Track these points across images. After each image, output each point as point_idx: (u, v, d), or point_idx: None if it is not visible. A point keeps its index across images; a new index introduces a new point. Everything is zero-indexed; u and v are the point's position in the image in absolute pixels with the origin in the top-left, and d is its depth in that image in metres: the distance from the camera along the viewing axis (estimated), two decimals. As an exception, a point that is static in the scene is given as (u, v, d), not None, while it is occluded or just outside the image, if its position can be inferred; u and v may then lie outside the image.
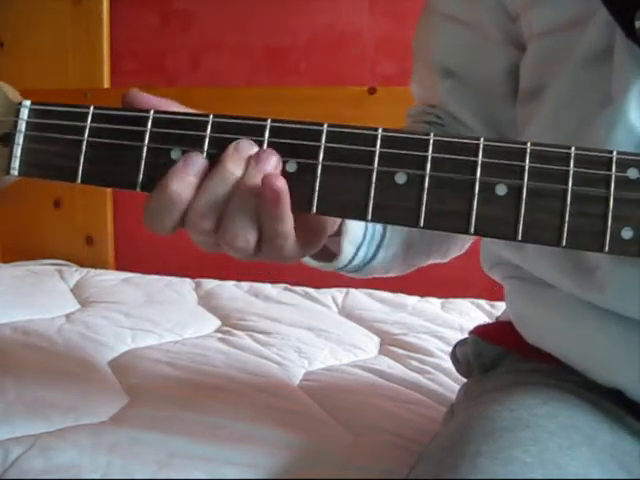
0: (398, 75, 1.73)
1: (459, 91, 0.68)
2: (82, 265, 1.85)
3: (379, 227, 0.59)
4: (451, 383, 1.01)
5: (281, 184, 0.45)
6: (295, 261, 0.51)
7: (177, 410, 0.86)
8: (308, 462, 0.75)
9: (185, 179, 0.46)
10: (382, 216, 0.46)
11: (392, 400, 0.94)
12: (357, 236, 0.57)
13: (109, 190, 1.91)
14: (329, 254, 0.59)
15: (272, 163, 0.46)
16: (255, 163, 0.46)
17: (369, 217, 0.46)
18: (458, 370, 0.80)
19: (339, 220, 0.54)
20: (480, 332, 0.75)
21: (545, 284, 0.61)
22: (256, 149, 0.47)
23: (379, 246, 0.59)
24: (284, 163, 0.47)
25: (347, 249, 0.57)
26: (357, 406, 0.91)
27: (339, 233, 0.56)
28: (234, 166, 0.46)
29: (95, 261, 1.89)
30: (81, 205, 1.92)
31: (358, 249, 0.57)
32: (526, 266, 0.63)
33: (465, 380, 0.77)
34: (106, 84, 1.90)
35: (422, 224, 0.45)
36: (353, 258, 0.58)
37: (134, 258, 1.91)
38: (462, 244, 0.72)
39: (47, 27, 1.90)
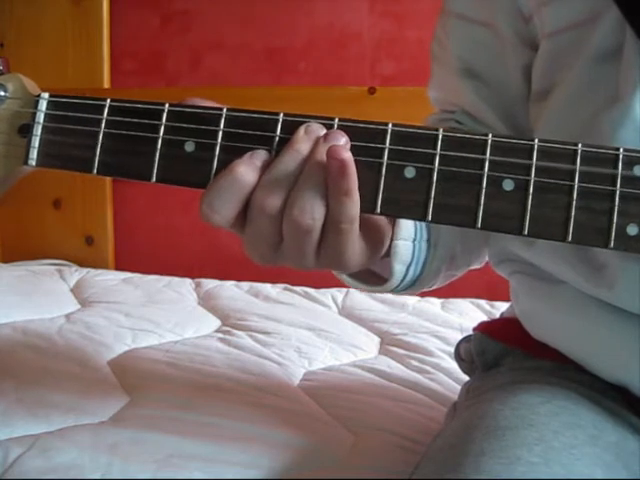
0: (398, 75, 1.73)
1: (483, 91, 0.68)
2: (82, 265, 1.85)
3: (423, 244, 0.58)
4: (451, 383, 1.01)
5: (347, 155, 0.45)
6: (354, 266, 0.50)
7: (177, 410, 0.86)
8: (308, 462, 0.75)
9: (250, 164, 0.47)
10: (391, 209, 0.46)
11: (392, 400, 0.94)
12: (407, 256, 0.56)
13: (109, 190, 1.91)
14: (374, 277, 0.58)
15: (341, 141, 0.46)
16: (324, 140, 0.46)
17: (378, 210, 0.46)
18: (461, 368, 0.80)
19: (389, 238, 0.54)
20: (484, 328, 0.75)
21: (552, 280, 0.61)
22: (325, 131, 0.47)
23: (425, 263, 0.59)
24: None
25: (398, 269, 0.56)
26: (357, 406, 0.91)
27: (387, 254, 0.55)
28: (302, 145, 0.46)
29: (95, 261, 1.89)
30: (81, 205, 1.92)
31: (408, 269, 0.57)
32: (536, 261, 0.63)
33: (467, 378, 0.77)
34: (106, 84, 1.90)
35: (430, 218, 0.46)
36: (404, 278, 0.57)
37: (134, 258, 1.91)
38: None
39: (47, 27, 1.90)
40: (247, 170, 0.47)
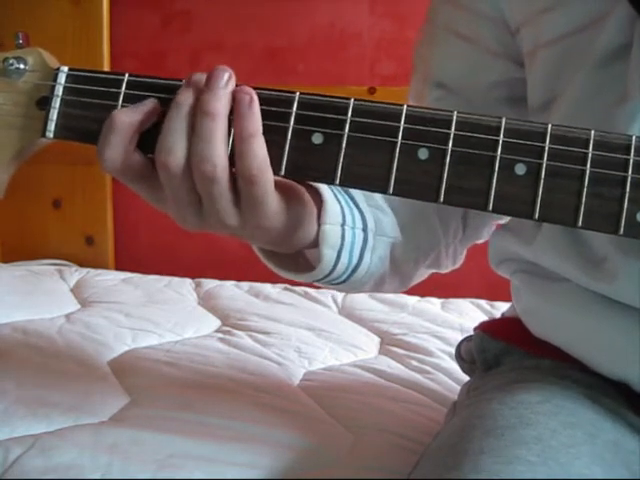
0: (398, 75, 1.73)
1: (445, 101, 0.69)
2: (82, 265, 1.84)
3: (358, 232, 0.58)
4: (451, 383, 1.01)
5: (253, 92, 0.47)
6: (276, 233, 0.51)
7: (177, 410, 0.86)
8: (308, 462, 0.75)
9: (125, 109, 0.49)
10: (403, 190, 0.47)
11: (392, 400, 0.94)
12: (335, 240, 0.56)
13: (109, 190, 1.91)
14: (309, 268, 0.58)
15: (224, 78, 0.47)
16: (206, 86, 0.47)
17: (390, 190, 0.47)
18: (462, 368, 0.80)
19: (315, 229, 0.54)
20: (485, 327, 0.75)
21: (553, 277, 0.61)
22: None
23: (363, 249, 0.59)
24: (310, 134, 0.48)
25: (327, 254, 0.55)
26: (357, 406, 0.91)
27: (317, 245, 0.55)
28: (184, 96, 0.48)
29: (95, 261, 1.88)
30: (81, 205, 1.92)
31: (339, 254, 0.56)
32: (536, 259, 0.63)
33: (467, 378, 0.77)
34: (106, 84, 1.90)
35: (442, 199, 0.46)
36: (336, 265, 0.57)
37: (134, 258, 1.91)
38: (455, 255, 0.72)
39: (47, 27, 1.90)
40: (121, 112, 0.48)
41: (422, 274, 0.71)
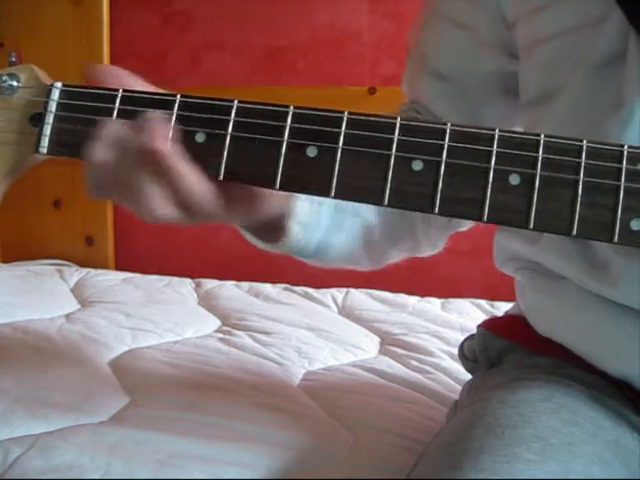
0: (398, 75, 1.72)
1: (439, 89, 0.70)
2: (82, 265, 1.84)
3: (332, 211, 0.59)
4: (451, 383, 1.01)
5: (159, 145, 0.47)
6: (226, 223, 0.53)
7: (177, 410, 0.86)
8: (308, 462, 0.75)
9: (103, 148, 0.48)
10: (398, 201, 0.47)
11: (392, 400, 0.94)
12: (306, 218, 0.57)
13: (109, 190, 1.91)
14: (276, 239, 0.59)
15: (160, 131, 0.48)
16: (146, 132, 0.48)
17: (385, 202, 0.47)
18: (465, 366, 0.80)
19: (287, 200, 0.55)
20: (488, 325, 0.75)
21: (558, 276, 0.62)
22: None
23: (333, 229, 0.60)
24: (305, 148, 0.48)
25: (294, 229, 0.57)
26: (357, 406, 0.91)
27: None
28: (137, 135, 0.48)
29: (95, 261, 1.88)
30: (81, 205, 1.92)
31: (308, 230, 0.58)
32: (540, 259, 0.63)
33: (468, 379, 0.77)
34: (106, 84, 1.89)
35: (437, 210, 0.46)
36: (302, 240, 0.58)
37: (134, 258, 1.91)
38: (435, 241, 0.72)
39: (47, 27, 1.90)
40: (100, 151, 0.48)
41: (396, 257, 0.71)
